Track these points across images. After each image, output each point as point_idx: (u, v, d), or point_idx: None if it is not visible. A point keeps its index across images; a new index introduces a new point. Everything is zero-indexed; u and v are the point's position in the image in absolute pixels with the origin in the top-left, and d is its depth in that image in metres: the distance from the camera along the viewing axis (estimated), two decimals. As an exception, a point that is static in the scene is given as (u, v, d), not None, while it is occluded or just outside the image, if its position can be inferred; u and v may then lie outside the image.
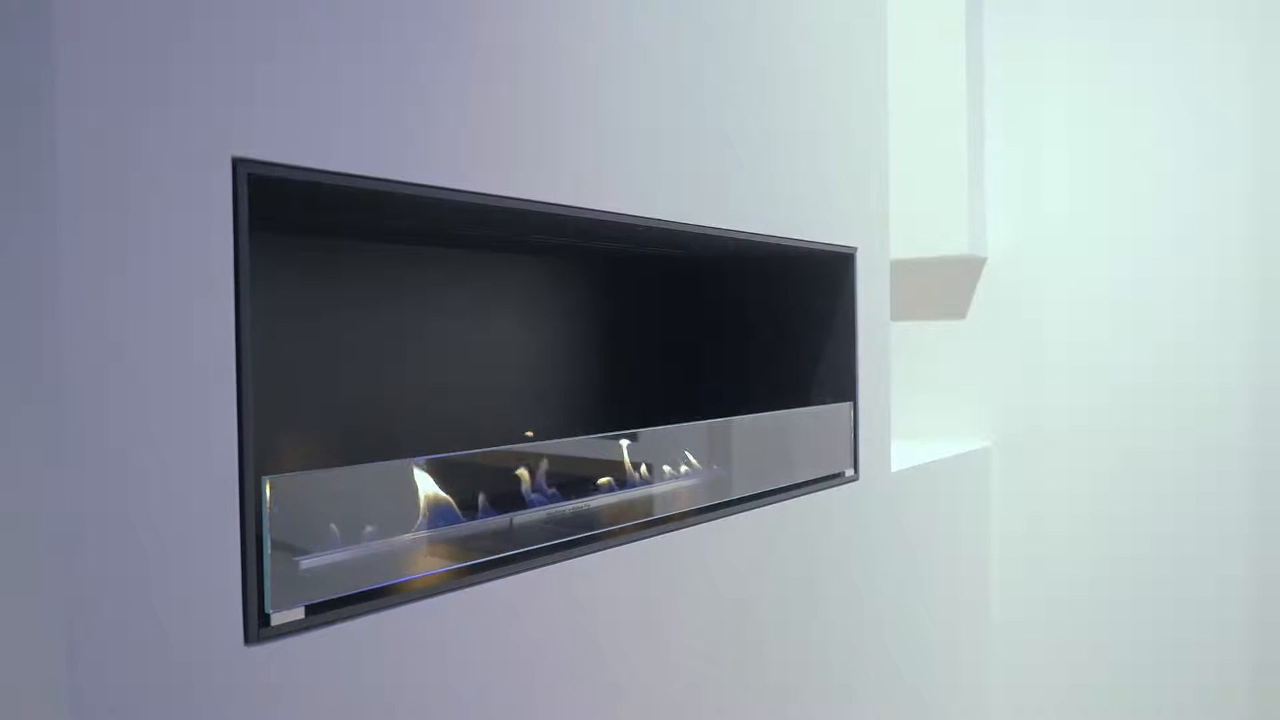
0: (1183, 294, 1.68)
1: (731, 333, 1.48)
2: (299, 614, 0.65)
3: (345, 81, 0.68)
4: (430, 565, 0.77)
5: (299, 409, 1.02)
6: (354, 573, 0.70)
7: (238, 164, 0.61)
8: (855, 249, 1.33)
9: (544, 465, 0.95)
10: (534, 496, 0.93)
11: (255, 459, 0.63)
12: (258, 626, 0.62)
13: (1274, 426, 1.61)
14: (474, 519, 0.85)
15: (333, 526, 0.69)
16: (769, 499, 1.16)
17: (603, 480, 1.01)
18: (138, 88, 0.56)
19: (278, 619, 0.63)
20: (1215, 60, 1.64)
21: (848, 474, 1.32)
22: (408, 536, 0.76)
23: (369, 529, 0.72)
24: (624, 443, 1.07)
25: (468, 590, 0.77)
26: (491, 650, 0.79)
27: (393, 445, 1.11)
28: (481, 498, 0.87)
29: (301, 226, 0.97)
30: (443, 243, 1.14)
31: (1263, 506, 1.62)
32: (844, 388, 1.34)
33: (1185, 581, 1.69)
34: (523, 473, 0.92)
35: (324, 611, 0.66)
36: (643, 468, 1.06)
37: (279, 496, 0.64)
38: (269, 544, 0.63)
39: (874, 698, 1.40)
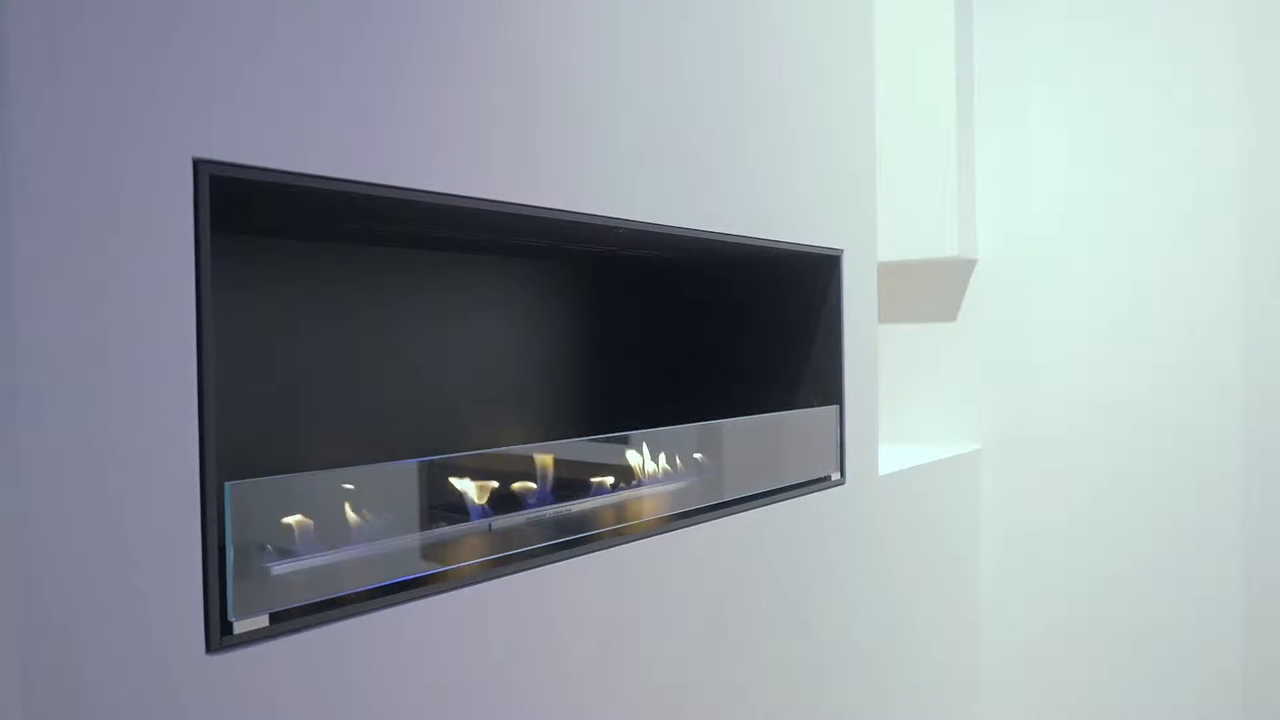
0: (1174, 296, 1.67)
1: (717, 335, 1.47)
2: (263, 621, 0.64)
3: (312, 81, 0.67)
4: (402, 571, 0.76)
5: (281, 412, 1.01)
6: (321, 579, 0.69)
7: (199, 165, 0.60)
8: (841, 251, 1.32)
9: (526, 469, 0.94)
10: (515, 501, 0.92)
11: (231, 463, 0.62)
12: (220, 634, 0.61)
13: (1265, 429, 1.60)
14: (451, 523, 0.84)
15: (299, 532, 0.68)
16: (753, 503, 1.15)
17: (585, 484, 1.00)
18: (94, 86, 0.55)
19: (240, 627, 0.62)
20: (1207, 62, 1.63)
21: (834, 477, 1.31)
22: (379, 542, 0.75)
23: (338, 534, 0.71)
24: (607, 446, 1.06)
25: (441, 597, 0.76)
26: (465, 658, 0.77)
27: (374, 448, 1.10)
28: (457, 502, 0.86)
29: (282, 229, 0.96)
30: (425, 245, 1.13)
31: (1254, 509, 1.61)
32: (830, 390, 1.33)
33: (1177, 585, 1.68)
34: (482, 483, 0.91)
35: (289, 619, 0.65)
36: (626, 471, 1.05)
37: (242, 501, 0.63)
38: (231, 550, 0.62)
39: (861, 704, 1.39)
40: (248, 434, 0.97)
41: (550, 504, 0.95)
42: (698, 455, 1.12)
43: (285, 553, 0.67)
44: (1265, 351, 1.60)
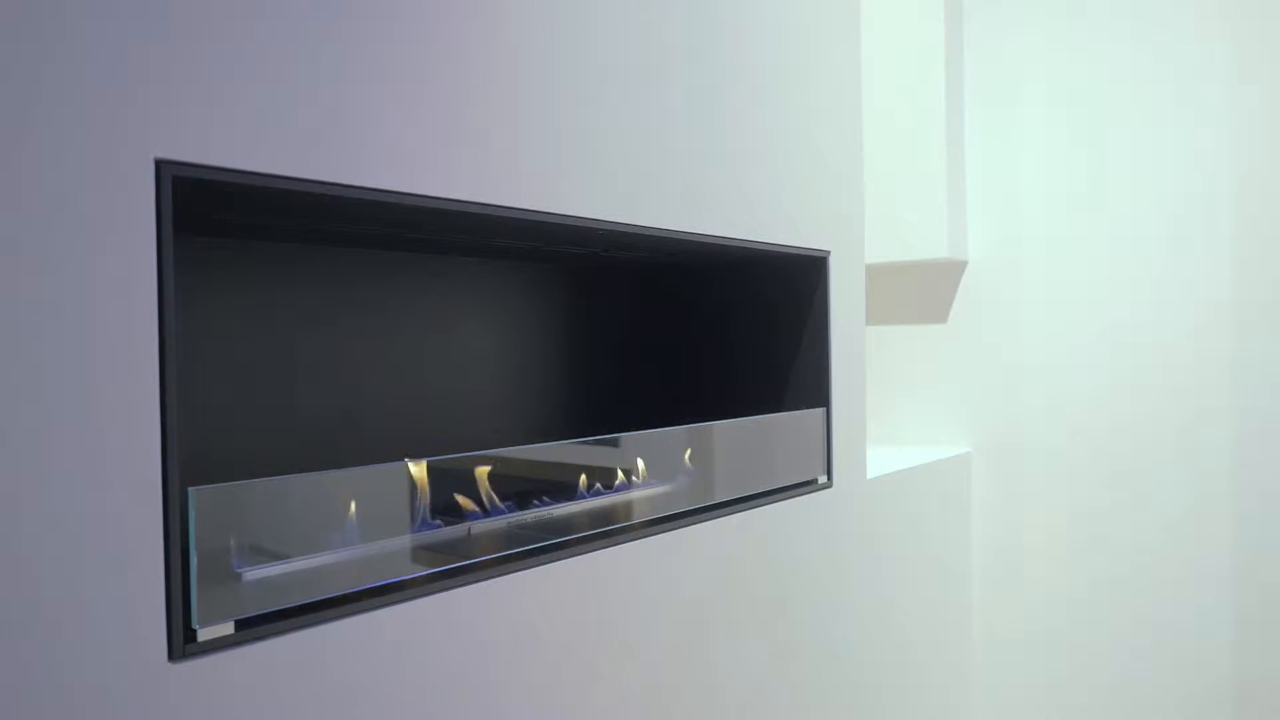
0: (1165, 297, 1.66)
1: (703, 337, 1.47)
2: (228, 628, 0.63)
3: (284, 80, 0.66)
4: (375, 576, 0.75)
5: (263, 417, 1.00)
6: (290, 585, 0.68)
7: (161, 165, 0.59)
8: (828, 252, 1.31)
9: (507, 472, 0.93)
10: (495, 505, 0.91)
11: (213, 467, 0.61)
12: (183, 642, 0.60)
13: (1256, 430, 1.59)
14: (429, 528, 0.83)
15: (267, 539, 0.67)
16: (738, 506, 1.14)
17: (568, 487, 0.99)
18: (52, 84, 0.55)
19: (205, 634, 0.61)
20: (1197, 62, 1.62)
21: (820, 481, 1.30)
22: (351, 547, 0.74)
23: (309, 539, 0.70)
24: (591, 449, 1.05)
25: (415, 602, 0.75)
26: (441, 666, 0.76)
27: (356, 452, 1.09)
28: (437, 505, 0.85)
29: (263, 231, 0.95)
30: (406, 247, 1.12)
31: (1248, 512, 1.60)
32: (817, 393, 1.32)
33: (1170, 589, 1.67)
34: (481, 478, 0.90)
35: (256, 626, 0.64)
36: (608, 474, 1.04)
37: (208, 507, 0.62)
38: (195, 556, 0.61)
39: (851, 711, 1.38)
40: (231, 438, 0.96)
41: (533, 507, 0.94)
42: (683, 458, 1.11)
43: (253, 558, 0.66)
44: (1258, 352, 1.59)
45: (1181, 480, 1.65)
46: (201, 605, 0.61)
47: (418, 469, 0.82)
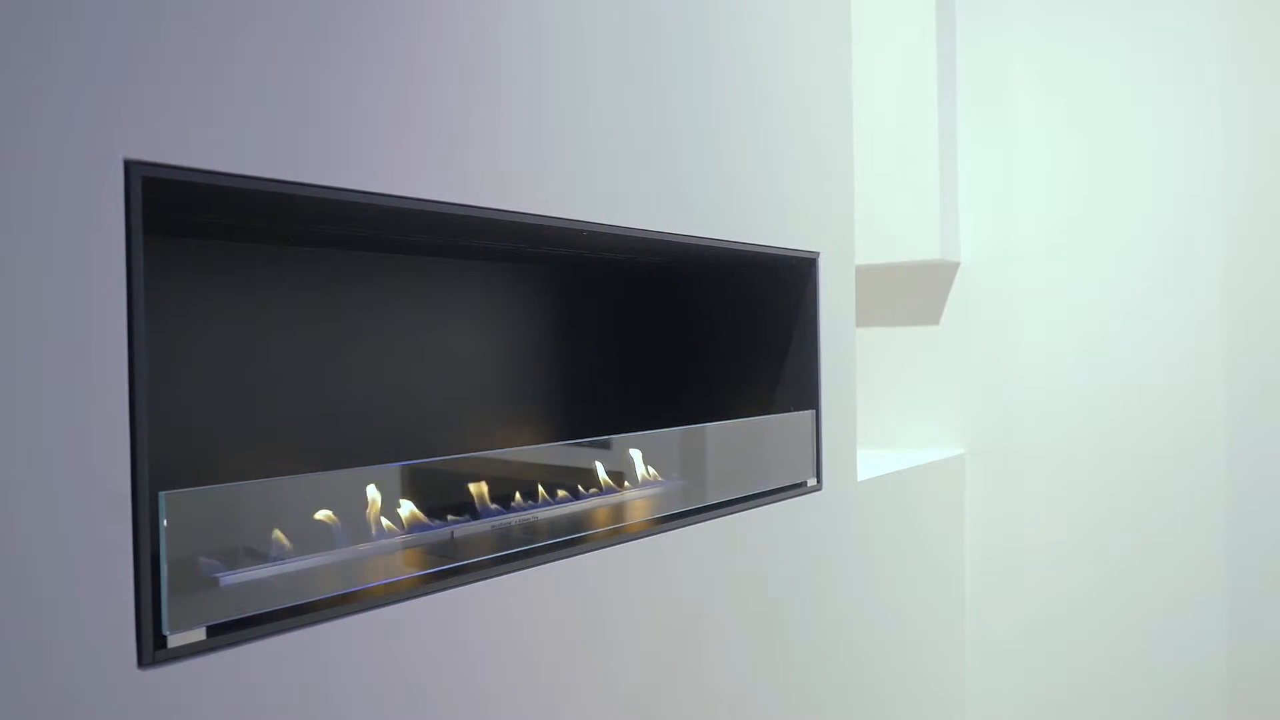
0: (1161, 298, 1.65)
1: (691, 339, 1.46)
2: (200, 635, 0.62)
3: (258, 80, 0.66)
4: (353, 582, 0.74)
5: (244, 420, 0.99)
6: (264, 591, 0.67)
7: (130, 166, 0.59)
8: (817, 254, 1.30)
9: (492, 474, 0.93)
10: (481, 508, 0.91)
11: (195, 471, 0.61)
12: (153, 648, 0.59)
13: (1252, 433, 1.58)
14: (410, 531, 0.82)
15: (242, 543, 0.67)
16: (728, 509, 1.13)
17: (554, 491, 0.98)
18: (15, 82, 0.54)
19: (175, 640, 0.60)
20: (1192, 63, 1.62)
21: (810, 484, 1.29)
22: (329, 552, 0.73)
23: (285, 545, 0.70)
24: (578, 451, 1.04)
25: (394, 607, 0.74)
26: (420, 673, 0.76)
27: (339, 455, 1.08)
28: (422, 508, 0.84)
29: (244, 233, 0.94)
30: (388, 248, 1.11)
31: (1240, 514, 1.60)
32: (807, 395, 1.31)
33: (1163, 591, 1.66)
34: (479, 487, 0.89)
35: (228, 632, 0.64)
36: (596, 477, 1.03)
37: (179, 511, 0.62)
38: (165, 561, 0.60)
39: (839, 715, 1.37)
40: (210, 442, 0.95)
41: (519, 510, 0.93)
42: (673, 460, 1.11)
43: (227, 563, 0.66)
44: (1252, 354, 1.58)
45: (1176, 482, 1.65)
46: (172, 610, 0.60)
47: (401, 472, 0.82)
